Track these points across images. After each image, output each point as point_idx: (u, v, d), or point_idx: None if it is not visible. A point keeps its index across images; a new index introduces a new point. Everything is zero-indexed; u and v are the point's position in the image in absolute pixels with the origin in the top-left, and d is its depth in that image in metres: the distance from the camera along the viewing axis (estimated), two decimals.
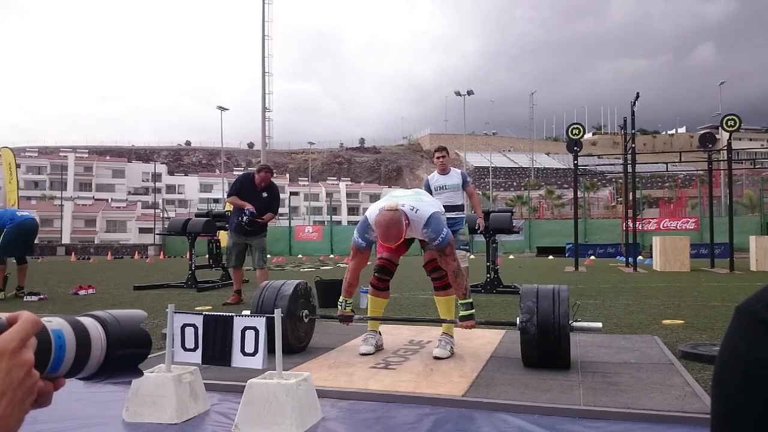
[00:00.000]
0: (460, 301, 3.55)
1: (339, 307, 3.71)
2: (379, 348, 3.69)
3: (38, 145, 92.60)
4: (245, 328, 2.38)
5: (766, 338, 0.59)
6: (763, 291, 0.63)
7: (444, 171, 6.71)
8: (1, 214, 7.57)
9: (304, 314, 3.67)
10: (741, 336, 0.63)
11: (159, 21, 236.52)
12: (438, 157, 6.77)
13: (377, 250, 3.81)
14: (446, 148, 6.92)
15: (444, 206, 6.43)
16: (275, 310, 2.39)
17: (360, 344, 3.67)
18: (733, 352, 0.63)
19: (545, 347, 3.13)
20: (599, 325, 3.35)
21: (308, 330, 3.82)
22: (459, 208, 6.64)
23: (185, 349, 2.45)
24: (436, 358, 3.42)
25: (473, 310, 3.51)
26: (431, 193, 6.77)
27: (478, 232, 7.63)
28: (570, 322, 3.15)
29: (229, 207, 8.13)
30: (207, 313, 2.49)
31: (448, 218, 6.62)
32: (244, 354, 2.36)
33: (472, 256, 7.08)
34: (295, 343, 3.61)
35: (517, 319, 3.23)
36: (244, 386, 2.35)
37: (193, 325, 2.45)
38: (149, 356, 3.16)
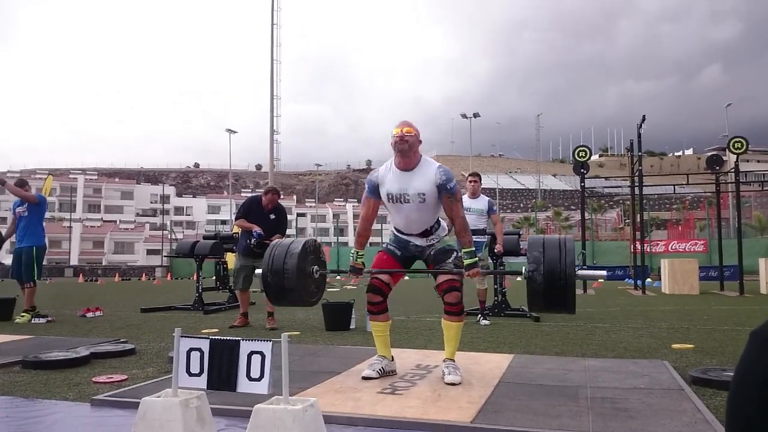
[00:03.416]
0: (464, 249, 3.51)
1: (351, 257, 3.73)
2: (386, 374, 3.58)
3: (48, 167, 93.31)
4: (251, 353, 2.37)
5: None
6: None
7: (474, 195, 7.17)
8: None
9: (314, 270, 3.70)
10: (756, 359, 0.63)
11: (170, 44, 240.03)
12: (471, 181, 7.28)
13: (373, 264, 3.66)
14: (479, 175, 7.39)
15: None
16: (282, 335, 2.38)
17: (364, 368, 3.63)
18: (748, 375, 0.64)
19: (551, 296, 3.14)
20: (604, 273, 3.44)
21: (319, 285, 3.85)
22: (480, 232, 6.97)
23: (190, 374, 2.44)
24: (450, 384, 3.35)
25: (476, 259, 3.53)
26: None
27: (494, 258, 7.77)
28: (576, 270, 3.16)
29: (236, 229, 8.16)
30: (214, 337, 2.49)
31: None
32: (250, 379, 2.35)
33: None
34: (308, 299, 3.69)
35: (524, 268, 3.22)
36: (251, 411, 2.34)
37: (199, 350, 2.45)
38: (156, 380, 3.14)
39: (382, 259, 3.67)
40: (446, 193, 3.46)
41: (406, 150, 3.42)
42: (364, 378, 3.48)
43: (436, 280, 3.53)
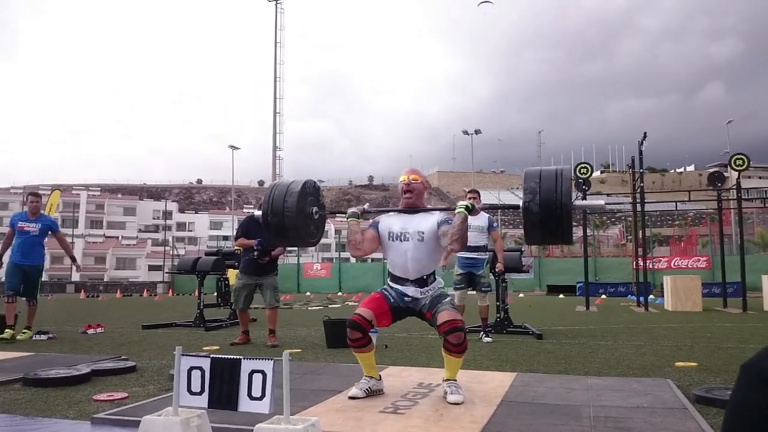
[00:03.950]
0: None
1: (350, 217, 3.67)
2: (373, 393, 3.53)
3: (52, 183, 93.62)
4: (252, 372, 2.37)
5: None
6: (767, 349, 0.63)
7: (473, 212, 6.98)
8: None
9: (313, 211, 3.71)
10: (747, 393, 0.63)
11: (174, 61, 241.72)
12: (470, 198, 7.07)
13: (364, 302, 3.62)
14: (478, 192, 7.31)
15: (468, 246, 6.68)
16: (283, 353, 2.38)
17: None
18: (740, 409, 0.64)
19: (548, 226, 3.12)
20: (602, 202, 3.43)
21: (318, 225, 3.84)
22: (481, 249, 6.96)
23: (191, 393, 2.44)
24: (453, 403, 3.31)
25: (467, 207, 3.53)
26: None
27: (496, 275, 7.76)
28: (573, 200, 3.13)
29: (237, 247, 8.15)
30: (215, 355, 2.48)
31: (471, 258, 6.82)
32: (251, 398, 2.34)
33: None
34: (308, 238, 3.71)
35: (521, 199, 3.21)
36: (252, 430, 2.33)
37: (200, 368, 2.44)
38: (157, 398, 3.13)
39: (374, 298, 3.63)
40: (444, 225, 3.50)
41: (412, 198, 3.61)
42: (351, 398, 3.45)
43: (437, 321, 3.43)
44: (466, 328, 3.50)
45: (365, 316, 3.48)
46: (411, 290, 3.57)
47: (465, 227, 3.41)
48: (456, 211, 3.49)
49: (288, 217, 3.53)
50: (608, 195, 31.62)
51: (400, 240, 3.55)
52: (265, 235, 6.71)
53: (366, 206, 3.88)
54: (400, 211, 3.68)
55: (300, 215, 3.56)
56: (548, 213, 3.10)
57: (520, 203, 3.22)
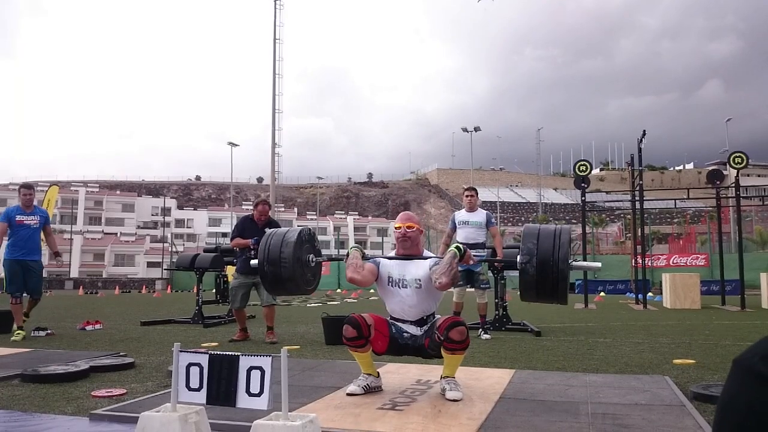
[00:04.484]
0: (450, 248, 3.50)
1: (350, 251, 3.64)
2: (371, 390, 3.54)
3: (50, 179, 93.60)
4: (251, 368, 2.37)
5: (764, 392, 0.59)
6: (760, 344, 0.63)
7: (471, 209, 7.18)
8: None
9: (310, 258, 3.71)
10: (738, 389, 0.63)
11: (172, 58, 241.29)
12: (467, 196, 7.27)
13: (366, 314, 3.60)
14: (476, 189, 7.38)
15: (466, 243, 6.72)
16: (281, 350, 2.38)
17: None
18: (731, 404, 0.64)
19: (544, 288, 3.14)
20: (599, 265, 3.45)
21: (315, 272, 3.84)
22: (480, 246, 6.98)
23: (189, 389, 2.44)
24: (451, 400, 3.31)
25: (461, 250, 3.46)
26: (455, 228, 7.08)
27: (495, 272, 7.76)
28: (569, 262, 3.15)
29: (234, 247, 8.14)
30: (213, 352, 2.48)
31: None
32: (250, 394, 2.34)
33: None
34: (305, 286, 3.69)
35: (518, 258, 3.22)
36: (250, 427, 2.33)
37: (198, 365, 2.44)
38: (155, 395, 3.13)
39: (380, 318, 3.58)
40: (435, 266, 3.45)
41: (408, 244, 3.60)
42: (349, 394, 3.45)
43: (436, 324, 3.44)
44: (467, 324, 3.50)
45: (366, 319, 3.45)
46: (411, 329, 3.56)
47: (454, 265, 3.35)
48: (448, 250, 3.46)
49: (285, 267, 3.52)
50: (607, 192, 31.60)
51: (399, 286, 3.54)
52: (261, 233, 6.72)
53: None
54: (396, 258, 3.63)
55: (297, 264, 3.54)
56: (544, 276, 3.12)
57: (518, 260, 3.23)
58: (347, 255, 3.60)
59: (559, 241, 3.16)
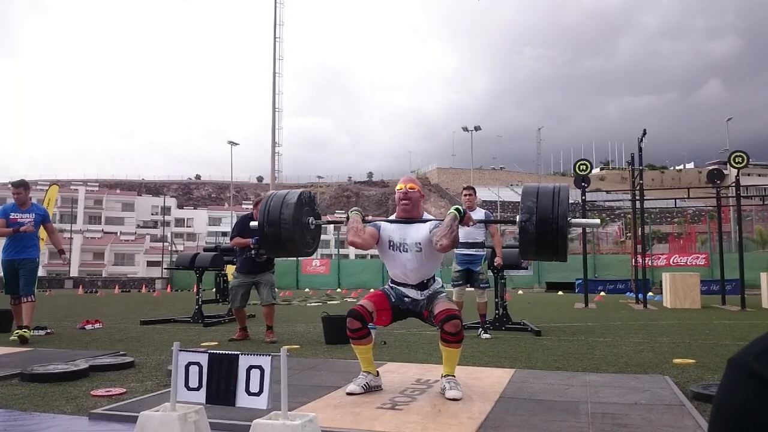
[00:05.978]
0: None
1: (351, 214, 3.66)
2: (371, 389, 3.54)
3: (50, 178, 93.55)
4: (250, 367, 2.36)
5: (758, 390, 0.59)
6: (755, 343, 0.63)
7: (470, 208, 7.06)
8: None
9: (310, 221, 3.72)
10: (733, 388, 0.63)
11: (172, 57, 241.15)
12: (466, 195, 7.17)
13: (367, 297, 3.66)
14: (474, 188, 7.28)
15: (465, 242, 6.71)
16: (281, 349, 2.38)
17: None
18: (726, 404, 0.64)
19: (543, 246, 3.16)
20: (597, 221, 3.54)
21: (315, 236, 3.86)
22: (479, 245, 6.96)
23: (189, 388, 2.43)
24: (451, 399, 3.32)
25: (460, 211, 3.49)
26: None
27: (494, 271, 7.74)
28: (568, 219, 3.16)
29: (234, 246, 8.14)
30: (212, 351, 2.48)
31: (468, 254, 6.82)
32: (249, 393, 2.34)
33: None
34: (304, 248, 3.71)
35: (517, 217, 3.23)
36: (250, 426, 2.33)
37: (198, 364, 2.44)
38: (154, 394, 3.12)
39: (377, 294, 3.68)
40: (435, 229, 3.49)
41: (409, 206, 3.60)
42: (349, 394, 3.46)
43: (434, 313, 3.49)
44: (462, 318, 3.51)
45: (366, 307, 3.52)
46: (412, 293, 3.62)
47: (455, 227, 3.39)
48: (448, 212, 3.49)
49: (285, 228, 3.53)
50: (607, 192, 31.59)
51: (400, 251, 3.58)
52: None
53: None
54: (397, 221, 3.67)
55: (296, 226, 3.56)
56: (544, 232, 3.12)
57: (517, 219, 3.25)
58: (347, 218, 3.63)
59: (558, 198, 3.18)
